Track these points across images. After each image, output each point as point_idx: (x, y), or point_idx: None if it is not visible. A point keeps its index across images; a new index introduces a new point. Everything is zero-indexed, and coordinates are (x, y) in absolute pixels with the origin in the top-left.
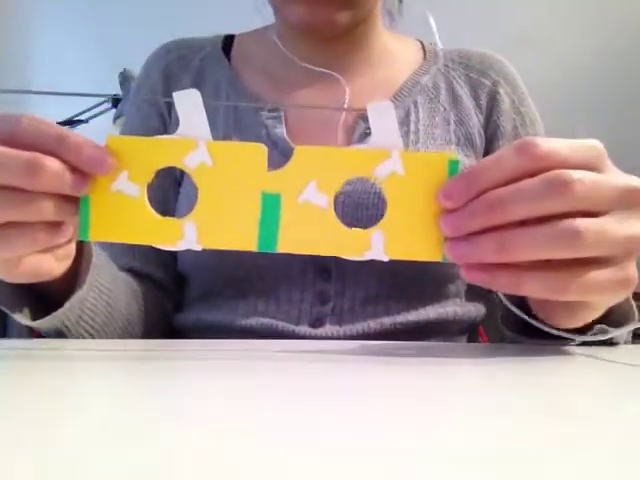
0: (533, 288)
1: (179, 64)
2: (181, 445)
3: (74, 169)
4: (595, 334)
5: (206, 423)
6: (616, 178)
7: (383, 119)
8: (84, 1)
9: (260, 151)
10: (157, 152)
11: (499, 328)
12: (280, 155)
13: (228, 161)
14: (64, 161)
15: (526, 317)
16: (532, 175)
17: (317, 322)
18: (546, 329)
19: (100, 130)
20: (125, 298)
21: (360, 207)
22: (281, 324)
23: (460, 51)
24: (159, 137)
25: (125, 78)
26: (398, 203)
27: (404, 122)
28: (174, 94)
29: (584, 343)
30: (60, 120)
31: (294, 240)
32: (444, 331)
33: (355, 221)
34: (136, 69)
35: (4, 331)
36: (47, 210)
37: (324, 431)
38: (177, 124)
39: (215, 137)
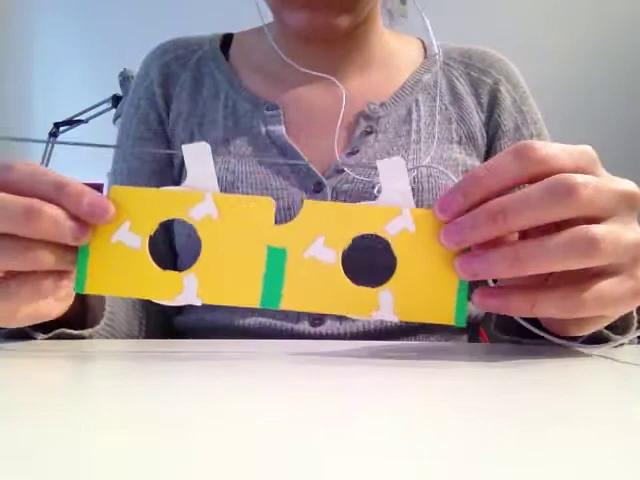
0: (548, 309)
1: (177, 63)
2: (181, 444)
3: (74, 217)
4: (593, 338)
5: (206, 423)
6: (613, 182)
7: (393, 175)
8: (85, 1)
9: (267, 205)
10: (162, 204)
11: (494, 333)
12: (280, 154)
13: (234, 214)
14: (63, 210)
15: (529, 326)
16: (531, 180)
17: (317, 321)
18: (548, 337)
19: (100, 130)
20: (125, 316)
21: None
22: (279, 323)
23: (461, 49)
24: (165, 189)
25: (125, 78)
26: (409, 261)
27: (406, 120)
28: (183, 147)
29: (583, 341)
30: (60, 120)
31: (298, 297)
32: (445, 329)
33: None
34: (136, 69)
35: None
36: (46, 259)
37: (324, 431)
38: (175, 124)
39: (215, 136)
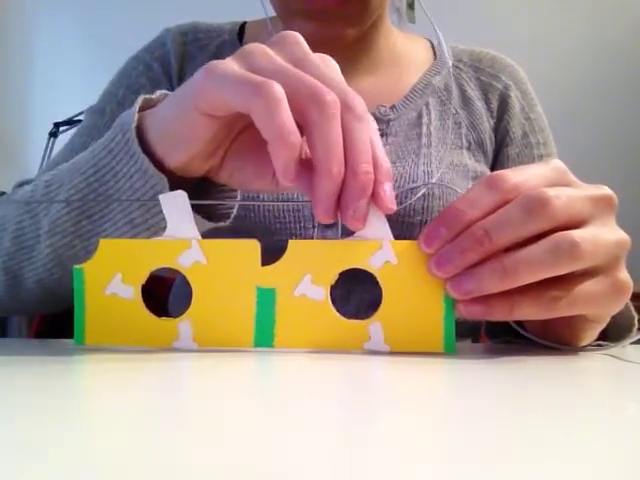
0: (524, 310)
1: (196, 45)
2: (180, 443)
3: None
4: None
5: (205, 422)
6: (586, 189)
7: (369, 211)
8: (84, 1)
9: (253, 247)
10: (151, 253)
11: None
12: None
13: (222, 258)
14: None
15: (526, 333)
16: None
17: None
18: (540, 342)
19: None
20: None
21: None
22: None
23: (471, 52)
24: (153, 239)
25: None
26: (394, 292)
27: (416, 124)
28: (160, 197)
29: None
30: (60, 120)
31: (291, 335)
32: None
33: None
34: None
35: (4, 331)
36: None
37: (325, 431)
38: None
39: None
